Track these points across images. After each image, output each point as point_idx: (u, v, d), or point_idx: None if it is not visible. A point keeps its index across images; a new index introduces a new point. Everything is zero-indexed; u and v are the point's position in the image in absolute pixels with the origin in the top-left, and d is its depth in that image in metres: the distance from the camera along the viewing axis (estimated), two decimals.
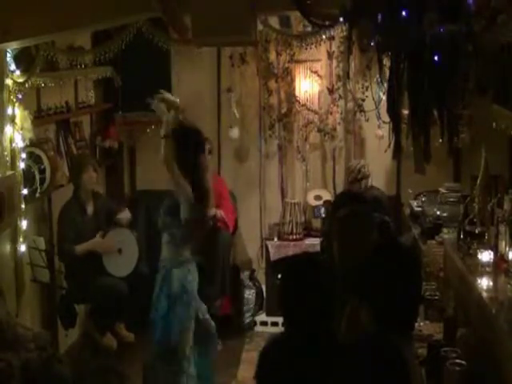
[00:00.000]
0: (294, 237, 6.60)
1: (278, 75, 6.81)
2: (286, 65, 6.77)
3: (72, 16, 4.13)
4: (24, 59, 4.75)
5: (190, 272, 4.66)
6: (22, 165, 4.81)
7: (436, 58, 2.72)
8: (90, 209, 5.79)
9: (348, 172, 6.16)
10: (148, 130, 6.65)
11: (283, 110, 6.87)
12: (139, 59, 6.33)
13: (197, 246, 4.80)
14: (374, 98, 6.42)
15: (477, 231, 4.05)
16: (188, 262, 4.67)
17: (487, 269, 3.74)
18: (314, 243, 6.34)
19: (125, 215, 5.92)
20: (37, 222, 5.47)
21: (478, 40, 2.75)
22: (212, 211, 6.25)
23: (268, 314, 6.58)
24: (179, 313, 4.59)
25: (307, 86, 6.81)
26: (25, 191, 4.86)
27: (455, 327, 3.57)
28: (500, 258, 3.74)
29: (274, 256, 6.55)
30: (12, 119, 4.69)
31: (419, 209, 5.65)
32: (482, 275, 3.68)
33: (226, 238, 6.39)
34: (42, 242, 5.32)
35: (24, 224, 4.84)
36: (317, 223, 6.65)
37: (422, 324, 3.76)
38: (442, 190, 5.56)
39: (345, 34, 6.00)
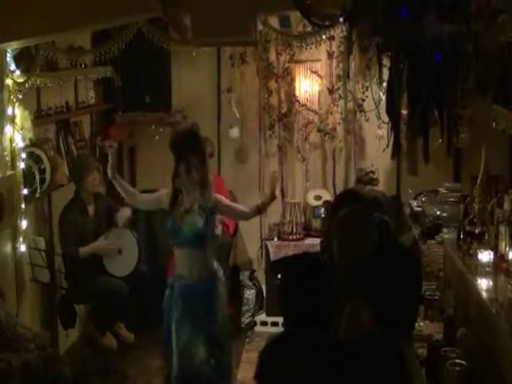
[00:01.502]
0: (294, 237, 6.60)
1: (278, 75, 6.81)
2: (286, 65, 6.77)
3: (72, 16, 4.13)
4: (24, 59, 4.75)
5: None
6: (22, 165, 4.81)
7: (436, 58, 2.72)
8: (91, 210, 5.78)
9: (357, 171, 6.17)
10: (148, 130, 6.66)
11: (283, 110, 6.87)
12: (139, 59, 6.33)
13: None
14: (373, 98, 6.43)
15: (477, 231, 4.04)
16: None
17: (487, 269, 3.74)
18: (313, 243, 6.33)
19: (125, 213, 5.90)
20: (37, 222, 5.47)
21: (478, 40, 2.75)
22: None
23: (268, 314, 6.58)
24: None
25: (307, 86, 6.81)
26: (25, 191, 4.86)
27: (455, 327, 3.57)
28: (500, 258, 3.74)
29: (274, 256, 6.55)
30: (12, 119, 4.70)
31: (419, 209, 5.65)
32: (482, 275, 3.68)
33: (226, 239, 6.39)
34: (41, 242, 5.32)
35: (24, 224, 4.84)
36: (317, 223, 6.66)
37: (422, 324, 3.76)
38: (442, 190, 5.56)
39: (345, 34, 6.00)
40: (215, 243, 4.77)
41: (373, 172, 6.06)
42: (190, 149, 4.57)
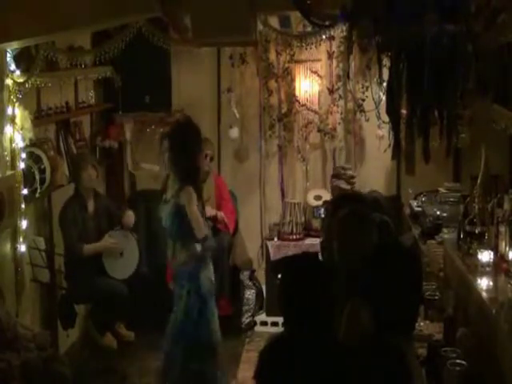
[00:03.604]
0: (294, 237, 6.60)
1: (278, 75, 6.80)
2: (286, 65, 6.76)
3: (72, 16, 4.13)
4: (24, 59, 4.75)
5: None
6: (22, 165, 4.81)
7: (436, 58, 2.73)
8: (90, 207, 5.79)
9: (339, 168, 6.26)
10: (148, 130, 6.66)
11: (283, 110, 6.86)
12: (139, 59, 6.33)
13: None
14: (373, 98, 6.42)
15: (477, 231, 4.04)
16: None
17: (487, 269, 3.74)
18: (313, 243, 6.33)
19: (129, 218, 5.90)
20: (37, 221, 5.47)
21: (478, 40, 2.76)
22: (212, 212, 6.27)
23: (268, 314, 6.57)
24: (211, 309, 4.78)
25: (307, 86, 6.80)
26: (25, 191, 4.86)
27: (455, 327, 3.57)
28: (500, 258, 3.74)
29: (274, 256, 6.55)
30: (12, 119, 4.70)
31: (419, 209, 5.65)
32: (482, 275, 3.68)
33: (226, 239, 6.39)
34: (41, 242, 5.33)
35: (24, 224, 4.84)
36: (317, 223, 6.65)
37: (422, 324, 3.76)
38: (442, 189, 5.56)
39: (345, 34, 6.00)
40: (184, 239, 4.79)
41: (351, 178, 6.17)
42: (167, 142, 4.79)
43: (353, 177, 6.11)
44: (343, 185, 5.94)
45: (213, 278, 4.86)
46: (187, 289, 4.73)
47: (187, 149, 4.71)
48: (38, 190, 5.08)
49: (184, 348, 4.71)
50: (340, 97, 6.76)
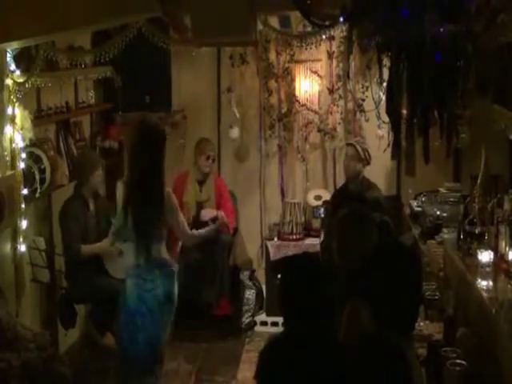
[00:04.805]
0: (294, 237, 6.60)
1: (278, 75, 6.81)
2: (286, 65, 6.77)
3: (72, 16, 4.13)
4: (24, 59, 4.75)
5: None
6: (22, 165, 4.81)
7: (436, 58, 2.73)
8: (92, 206, 5.78)
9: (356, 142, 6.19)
10: None
11: (283, 110, 6.87)
12: (139, 59, 6.33)
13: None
14: (373, 98, 6.42)
15: (477, 231, 4.04)
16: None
17: (487, 269, 3.74)
18: (313, 243, 6.34)
19: None
20: (37, 221, 5.47)
21: (478, 40, 2.76)
22: (213, 213, 6.27)
23: (268, 314, 6.58)
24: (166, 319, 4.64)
25: (307, 86, 6.81)
26: (25, 191, 4.86)
27: (455, 327, 3.58)
28: (500, 258, 3.74)
29: (274, 256, 6.55)
30: (12, 119, 4.69)
31: (419, 209, 5.65)
32: (482, 275, 3.68)
33: (226, 239, 6.39)
34: (41, 242, 5.32)
35: (24, 224, 4.84)
36: (317, 223, 6.65)
37: (422, 324, 3.76)
38: (442, 189, 5.56)
39: (345, 34, 6.00)
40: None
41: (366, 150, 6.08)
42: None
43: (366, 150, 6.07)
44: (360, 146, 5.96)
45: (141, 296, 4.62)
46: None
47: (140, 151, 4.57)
48: (38, 190, 5.07)
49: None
50: (340, 97, 6.76)
